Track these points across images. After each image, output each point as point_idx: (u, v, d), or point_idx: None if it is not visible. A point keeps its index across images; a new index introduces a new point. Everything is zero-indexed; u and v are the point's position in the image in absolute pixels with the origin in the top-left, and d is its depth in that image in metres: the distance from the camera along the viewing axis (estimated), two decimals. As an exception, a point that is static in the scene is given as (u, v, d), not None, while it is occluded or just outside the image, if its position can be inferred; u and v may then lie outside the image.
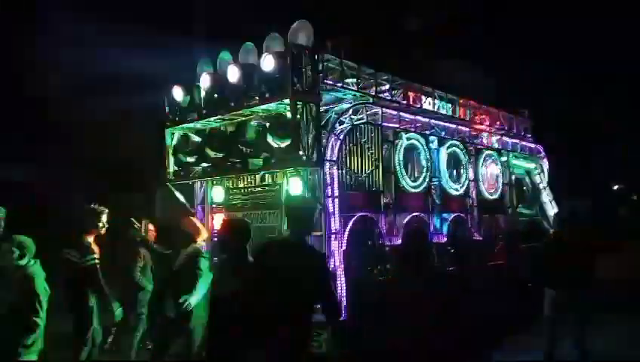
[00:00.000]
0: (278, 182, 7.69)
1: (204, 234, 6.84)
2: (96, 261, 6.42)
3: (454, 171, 9.44)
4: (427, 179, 8.55)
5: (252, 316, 3.91)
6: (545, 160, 12.40)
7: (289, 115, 6.77)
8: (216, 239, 7.78)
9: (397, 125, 8.23)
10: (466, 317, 4.95)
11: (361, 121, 7.68)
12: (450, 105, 9.60)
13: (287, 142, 6.73)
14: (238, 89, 7.36)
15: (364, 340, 5.75)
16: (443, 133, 9.34)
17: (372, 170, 7.69)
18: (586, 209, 13.86)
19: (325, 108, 7.75)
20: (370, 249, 7.51)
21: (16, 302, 4.57)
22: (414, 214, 8.27)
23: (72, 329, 6.28)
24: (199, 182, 8.79)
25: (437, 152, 8.98)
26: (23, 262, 4.79)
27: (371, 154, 7.69)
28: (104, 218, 6.72)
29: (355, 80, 7.70)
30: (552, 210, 12.00)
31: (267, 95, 7.02)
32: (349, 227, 7.15)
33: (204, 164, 8.15)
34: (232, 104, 7.51)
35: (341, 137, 7.25)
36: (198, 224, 6.92)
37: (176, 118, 8.46)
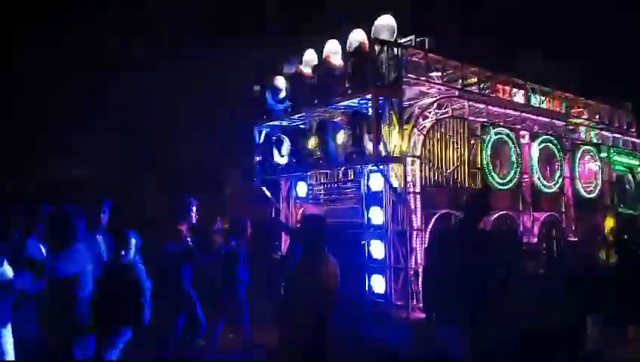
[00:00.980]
0: (359, 178, 7.67)
1: None
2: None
3: (548, 167, 8.92)
4: (517, 176, 8.16)
5: None
6: (651, 156, 11.35)
7: (371, 110, 6.76)
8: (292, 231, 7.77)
9: (485, 119, 7.92)
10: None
11: (445, 115, 7.48)
12: (543, 98, 9.09)
13: (369, 138, 6.71)
14: (321, 86, 7.46)
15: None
16: (535, 128, 8.85)
17: (457, 166, 7.46)
18: None
19: (409, 103, 7.63)
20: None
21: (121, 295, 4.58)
22: (502, 213, 7.92)
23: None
24: (284, 179, 9.02)
25: (528, 148, 8.54)
26: (129, 257, 4.85)
27: (457, 149, 7.46)
28: (194, 209, 7.09)
29: (439, 73, 7.52)
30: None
31: (349, 91, 7.05)
32: (431, 224, 6.99)
33: (289, 160, 8.33)
34: (316, 101, 7.62)
35: (424, 132, 7.11)
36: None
37: (264, 116, 8.72)
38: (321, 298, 4.08)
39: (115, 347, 4.36)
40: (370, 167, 7.16)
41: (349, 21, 7.72)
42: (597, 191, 9.78)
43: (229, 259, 6.80)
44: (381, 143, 6.79)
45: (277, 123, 8.63)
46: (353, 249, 7.60)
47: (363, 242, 7.32)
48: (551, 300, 6.47)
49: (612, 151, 10.39)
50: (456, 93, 7.63)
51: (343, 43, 7.53)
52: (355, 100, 7.05)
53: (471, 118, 7.70)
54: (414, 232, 6.92)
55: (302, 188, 8.76)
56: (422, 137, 7.08)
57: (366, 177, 7.45)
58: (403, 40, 7.14)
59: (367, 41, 7.07)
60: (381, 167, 6.87)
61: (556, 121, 9.25)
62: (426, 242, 6.77)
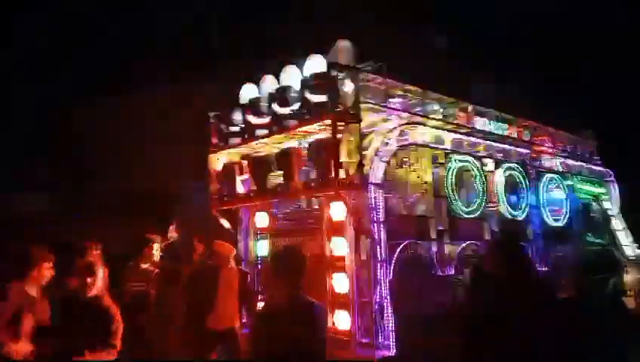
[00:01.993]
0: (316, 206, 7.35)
1: None
2: None
3: (513, 196, 8.77)
4: (482, 205, 7.96)
5: None
6: (615, 184, 11.39)
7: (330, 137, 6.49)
8: None
9: (447, 146, 7.74)
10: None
11: (407, 143, 7.26)
12: (505, 126, 9.01)
13: (326, 165, 6.41)
14: (279, 112, 7.18)
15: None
16: (499, 155, 8.73)
17: (421, 195, 7.22)
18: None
19: (370, 130, 7.40)
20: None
21: None
22: (469, 242, 7.67)
23: None
24: (244, 209, 8.62)
25: (493, 176, 8.39)
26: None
27: (419, 177, 7.23)
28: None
29: (400, 99, 7.34)
30: (625, 238, 10.94)
31: (307, 117, 6.78)
32: (395, 254, 6.67)
33: (247, 189, 7.96)
34: (274, 128, 7.33)
35: (385, 159, 6.86)
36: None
37: (221, 144, 8.37)
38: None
39: None
40: (330, 195, 6.83)
41: (308, 48, 7.54)
42: (564, 219, 9.66)
43: None
44: (341, 171, 6.50)
45: (235, 151, 8.28)
46: (314, 284, 7.23)
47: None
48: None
49: (577, 179, 10.35)
50: (418, 119, 7.45)
51: (302, 69, 7.30)
52: (314, 126, 6.78)
53: (433, 145, 7.51)
54: (378, 264, 6.58)
55: (262, 219, 8.37)
56: (383, 165, 6.83)
57: (327, 207, 7.12)
58: (361, 65, 6.95)
59: (325, 66, 6.86)
60: (342, 195, 6.56)
61: (520, 149, 9.16)
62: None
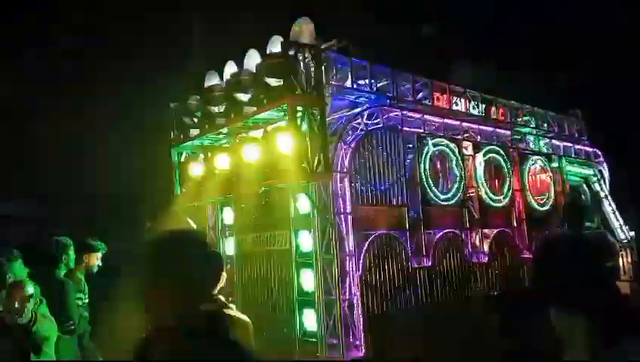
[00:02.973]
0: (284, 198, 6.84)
1: None
2: None
3: (495, 180, 8.29)
4: (461, 190, 7.47)
5: None
6: (605, 165, 10.90)
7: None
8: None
9: (421, 130, 7.23)
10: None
11: (377, 127, 6.75)
12: (484, 106, 8.50)
13: (288, 153, 5.91)
14: (238, 98, 6.67)
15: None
16: (478, 138, 8.22)
17: (394, 182, 6.72)
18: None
19: (339, 115, 6.89)
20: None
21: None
22: (447, 231, 7.19)
23: None
24: (210, 204, 8.12)
25: (472, 159, 7.90)
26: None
27: (391, 163, 6.73)
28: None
29: (368, 80, 6.83)
30: (616, 221, 10.48)
31: (265, 102, 6.27)
32: (364, 247, 6.18)
33: (210, 183, 7.45)
34: (232, 115, 6.81)
35: (352, 145, 6.35)
36: None
37: (181, 136, 7.86)
38: None
39: None
40: (292, 186, 6.33)
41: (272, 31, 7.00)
42: (550, 203, 9.19)
43: None
44: (303, 159, 5.99)
45: (197, 143, 7.77)
46: (282, 281, 6.76)
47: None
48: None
49: (564, 160, 9.87)
50: (388, 102, 6.94)
51: (263, 52, 6.78)
52: (272, 112, 6.27)
53: (405, 128, 7.00)
54: (346, 258, 6.10)
55: (228, 214, 7.87)
56: (350, 151, 6.32)
57: (294, 198, 6.63)
58: (324, 44, 6.42)
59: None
60: (304, 186, 6.07)
61: (501, 131, 8.67)
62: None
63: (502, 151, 8.32)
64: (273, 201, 7.12)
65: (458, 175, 7.45)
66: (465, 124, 7.97)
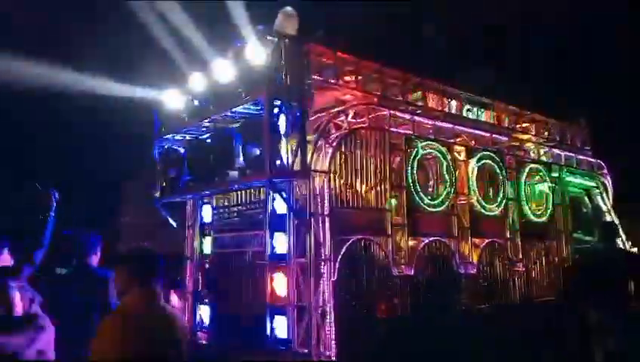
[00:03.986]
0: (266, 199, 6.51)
1: None
2: None
3: (489, 188, 7.90)
4: (451, 196, 7.10)
5: None
6: (608, 177, 10.45)
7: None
8: None
9: (410, 131, 6.87)
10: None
11: (362, 126, 6.41)
12: (482, 111, 8.12)
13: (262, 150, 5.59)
14: (217, 92, 6.36)
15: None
16: (473, 143, 7.84)
17: (376, 184, 6.37)
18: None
19: (325, 113, 6.55)
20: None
21: None
22: (433, 239, 6.82)
23: None
24: (191, 201, 7.81)
25: (465, 165, 7.52)
26: None
27: (375, 165, 6.38)
28: None
29: (354, 77, 6.49)
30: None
31: (243, 95, 5.95)
32: (342, 252, 5.83)
33: (190, 180, 7.15)
34: (211, 107, 6.50)
35: (334, 144, 6.01)
36: None
37: (163, 129, 7.55)
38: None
39: None
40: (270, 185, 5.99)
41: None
42: (548, 214, 8.77)
43: None
44: (280, 157, 5.66)
45: (179, 137, 7.46)
46: (256, 284, 6.42)
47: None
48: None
49: (565, 170, 9.45)
50: (375, 100, 6.59)
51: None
52: (250, 106, 5.94)
53: (393, 129, 6.65)
54: (321, 263, 5.75)
55: (207, 212, 7.56)
56: (331, 150, 5.98)
57: (271, 198, 6.30)
58: (306, 36, 6.10)
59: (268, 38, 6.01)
60: (280, 185, 5.73)
61: (498, 137, 8.27)
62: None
63: (497, 158, 7.94)
64: (252, 200, 6.81)
65: (448, 180, 7.08)
66: (458, 128, 7.59)
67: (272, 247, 6.13)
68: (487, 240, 7.60)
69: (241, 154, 6.03)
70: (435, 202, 6.90)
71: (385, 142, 6.51)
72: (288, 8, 6.11)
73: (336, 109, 6.39)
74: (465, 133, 7.71)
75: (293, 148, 5.68)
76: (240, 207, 7.03)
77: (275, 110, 5.64)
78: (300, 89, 5.82)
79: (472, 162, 7.57)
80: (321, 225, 5.80)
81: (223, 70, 6.17)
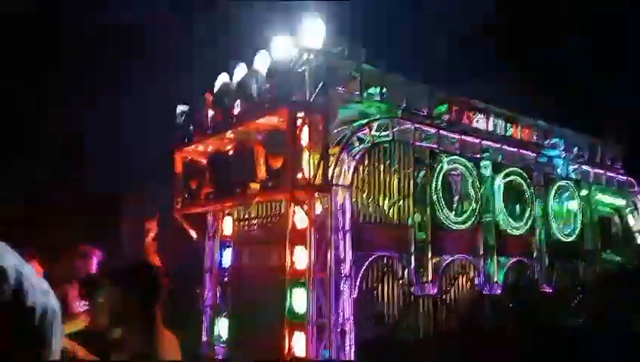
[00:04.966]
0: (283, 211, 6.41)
1: None
2: None
3: (515, 205, 7.67)
4: (476, 214, 6.90)
5: None
6: (639, 195, 10.09)
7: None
8: None
9: (435, 145, 6.71)
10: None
11: (386, 139, 6.28)
12: (509, 125, 7.92)
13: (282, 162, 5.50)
14: (240, 103, 6.32)
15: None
16: (499, 159, 7.64)
17: (400, 200, 6.22)
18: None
19: (346, 126, 6.44)
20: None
21: None
22: (457, 256, 6.63)
23: None
24: (211, 213, 7.75)
25: (491, 181, 7.32)
26: None
27: (399, 179, 6.24)
28: None
29: (379, 90, 6.38)
30: (650, 257, 9.65)
31: (267, 106, 5.88)
32: (363, 269, 5.68)
33: (211, 191, 7.09)
34: (234, 121, 6.45)
35: (357, 157, 5.90)
36: None
37: (185, 140, 7.54)
38: None
39: None
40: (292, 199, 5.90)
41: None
42: (576, 233, 8.49)
43: None
44: (302, 170, 5.57)
45: (201, 148, 7.43)
46: (275, 299, 6.29)
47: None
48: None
49: (594, 188, 9.15)
50: (399, 113, 6.46)
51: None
52: (273, 118, 5.87)
53: (418, 143, 6.51)
54: (342, 280, 5.61)
55: (228, 224, 7.49)
56: (353, 163, 5.87)
57: (292, 211, 6.19)
58: (332, 48, 6.02)
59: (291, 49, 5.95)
60: (301, 199, 5.63)
61: (525, 152, 8.05)
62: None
63: (525, 174, 7.72)
64: (273, 213, 6.72)
65: (474, 197, 6.89)
66: (485, 143, 7.40)
67: (293, 262, 6.02)
68: (513, 260, 7.36)
69: (263, 166, 5.93)
70: (460, 219, 6.71)
71: (409, 157, 6.36)
72: (313, 16, 6.03)
73: (359, 122, 6.28)
74: (491, 148, 7.51)
75: (316, 162, 5.58)
76: (261, 220, 6.94)
77: (298, 122, 5.56)
78: (323, 101, 5.72)
79: (499, 178, 7.36)
80: (342, 240, 5.68)
81: (247, 82, 6.13)
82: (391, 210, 6.16)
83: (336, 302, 5.50)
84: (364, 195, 5.94)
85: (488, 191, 7.21)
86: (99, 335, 2.29)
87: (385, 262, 5.91)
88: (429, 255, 6.31)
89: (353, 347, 5.38)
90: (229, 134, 6.76)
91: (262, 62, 6.51)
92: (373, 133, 6.25)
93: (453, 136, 6.99)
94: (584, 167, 9.17)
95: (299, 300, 5.84)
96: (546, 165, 8.54)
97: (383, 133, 6.33)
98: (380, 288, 5.82)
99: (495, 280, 6.99)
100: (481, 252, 6.96)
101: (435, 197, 6.46)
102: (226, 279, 7.43)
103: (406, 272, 6.05)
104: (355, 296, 5.57)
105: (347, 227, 5.68)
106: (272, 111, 5.76)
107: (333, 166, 5.71)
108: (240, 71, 7.07)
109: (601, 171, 9.54)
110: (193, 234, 7.77)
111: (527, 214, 7.64)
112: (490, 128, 7.63)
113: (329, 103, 5.80)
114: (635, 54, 12.82)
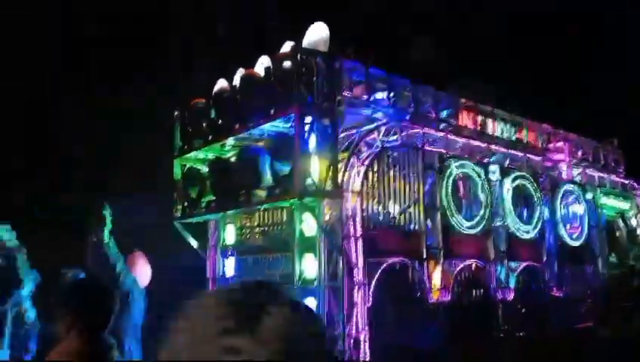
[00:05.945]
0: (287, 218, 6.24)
1: None
2: None
3: (524, 209, 7.55)
4: (487, 218, 6.76)
5: None
6: (642, 198, 10.04)
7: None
8: None
9: (443, 150, 6.59)
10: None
11: (394, 144, 6.14)
12: (514, 129, 7.82)
13: (290, 168, 5.33)
14: (242, 107, 6.15)
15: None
16: (506, 163, 7.53)
17: (409, 205, 6.07)
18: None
19: (354, 131, 6.31)
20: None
21: None
22: (469, 262, 6.48)
23: None
24: (212, 221, 7.53)
25: (499, 185, 7.19)
26: None
27: (409, 184, 6.09)
28: None
29: (387, 94, 6.24)
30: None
31: (272, 111, 5.72)
32: (376, 276, 5.51)
33: (213, 199, 6.89)
34: (237, 125, 6.27)
35: (366, 162, 5.74)
36: None
37: (185, 146, 7.33)
38: None
39: None
40: (296, 204, 5.72)
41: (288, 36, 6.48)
42: (583, 237, 8.38)
43: None
44: (309, 176, 5.40)
45: (201, 155, 7.23)
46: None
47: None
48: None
49: (599, 192, 9.07)
50: (408, 117, 6.32)
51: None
52: (279, 122, 5.70)
53: (427, 148, 6.37)
54: (355, 287, 5.43)
55: (230, 232, 7.28)
56: (363, 168, 5.71)
57: (298, 218, 6.01)
58: (339, 52, 5.88)
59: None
60: (310, 205, 5.46)
61: (532, 156, 7.95)
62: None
63: (532, 178, 7.61)
64: (277, 221, 6.54)
65: (484, 201, 6.76)
66: (493, 147, 7.29)
67: (302, 270, 5.83)
68: (523, 264, 7.23)
69: (268, 172, 5.76)
70: (471, 223, 6.57)
71: (418, 162, 6.22)
72: (319, 24, 5.91)
73: (367, 127, 6.14)
74: (499, 153, 7.40)
75: (325, 167, 5.42)
76: (264, 228, 6.75)
77: (306, 127, 5.40)
78: (331, 106, 5.58)
79: (507, 182, 7.24)
80: (353, 247, 5.51)
81: (252, 86, 5.97)
82: (401, 216, 6.00)
83: (349, 311, 5.32)
84: (374, 201, 5.78)
85: (497, 196, 7.08)
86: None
87: (398, 268, 5.74)
88: (442, 260, 6.15)
89: (368, 357, 5.18)
90: (231, 140, 6.59)
91: (266, 66, 6.37)
92: (381, 137, 6.11)
93: (460, 140, 6.87)
94: (588, 171, 9.09)
95: (309, 310, 5.65)
96: (551, 169, 8.45)
97: (391, 138, 6.19)
98: (394, 296, 5.64)
99: (506, 284, 6.84)
100: (492, 256, 6.81)
101: (445, 201, 6.31)
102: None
103: (419, 278, 5.88)
104: (369, 304, 5.39)
105: (358, 233, 5.51)
106: (280, 113, 5.59)
107: (342, 171, 5.56)
108: (241, 75, 6.92)
109: (604, 174, 9.47)
110: (194, 243, 7.56)
111: (535, 217, 7.51)
112: (498, 133, 7.52)
113: (337, 107, 5.65)
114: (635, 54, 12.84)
